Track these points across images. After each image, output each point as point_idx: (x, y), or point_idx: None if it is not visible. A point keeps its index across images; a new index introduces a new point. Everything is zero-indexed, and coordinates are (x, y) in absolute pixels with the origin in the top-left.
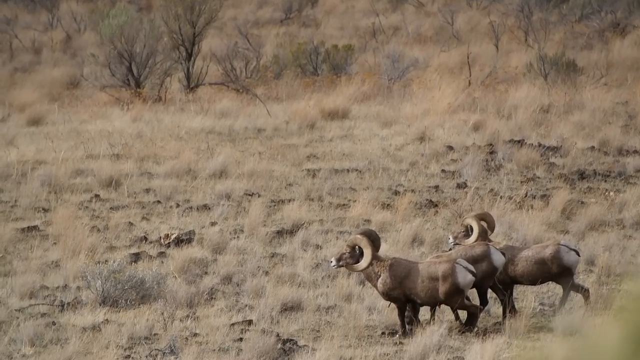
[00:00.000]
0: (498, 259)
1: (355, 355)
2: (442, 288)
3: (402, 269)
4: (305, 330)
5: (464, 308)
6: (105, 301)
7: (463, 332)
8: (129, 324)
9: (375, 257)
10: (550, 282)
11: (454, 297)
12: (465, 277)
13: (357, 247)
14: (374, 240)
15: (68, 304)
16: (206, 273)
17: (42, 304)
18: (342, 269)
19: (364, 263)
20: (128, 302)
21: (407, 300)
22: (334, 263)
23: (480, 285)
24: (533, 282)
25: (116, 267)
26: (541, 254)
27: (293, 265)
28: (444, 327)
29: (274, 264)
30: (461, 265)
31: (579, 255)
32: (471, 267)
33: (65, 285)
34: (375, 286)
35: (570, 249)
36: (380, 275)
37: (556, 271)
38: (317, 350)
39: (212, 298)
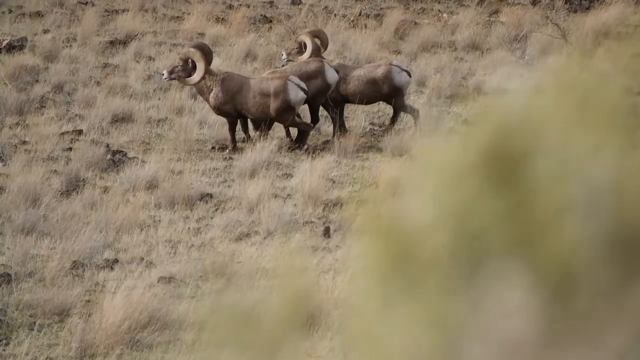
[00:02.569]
0: (332, 76)
1: (184, 168)
2: (274, 104)
3: (234, 83)
4: (135, 142)
5: (295, 125)
6: None
7: (293, 150)
8: None
9: (207, 71)
10: (381, 102)
11: (285, 114)
12: (297, 94)
13: (189, 60)
14: (207, 54)
15: None
16: (37, 81)
17: None
18: (175, 82)
19: (196, 77)
20: None
21: (238, 115)
22: (166, 76)
23: (313, 103)
24: (364, 102)
25: None
26: (373, 73)
27: (125, 76)
28: (274, 144)
29: (106, 74)
30: (293, 82)
31: (410, 76)
32: (303, 85)
33: None
34: (207, 100)
35: (402, 69)
36: (212, 89)
37: (387, 91)
38: (146, 163)
39: (42, 106)
